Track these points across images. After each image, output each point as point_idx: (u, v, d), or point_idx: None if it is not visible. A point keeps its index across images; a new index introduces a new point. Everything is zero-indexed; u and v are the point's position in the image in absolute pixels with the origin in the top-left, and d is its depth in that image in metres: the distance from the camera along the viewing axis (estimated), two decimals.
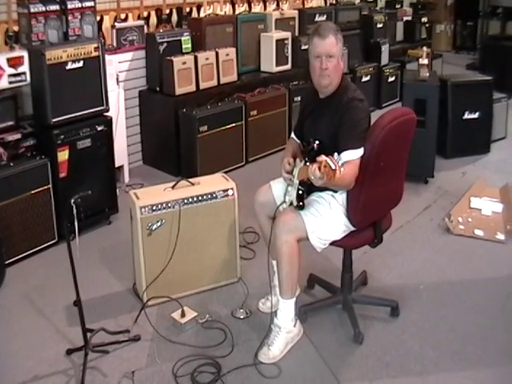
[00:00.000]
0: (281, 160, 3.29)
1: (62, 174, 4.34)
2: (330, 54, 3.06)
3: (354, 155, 2.93)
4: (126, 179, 5.59)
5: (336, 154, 2.87)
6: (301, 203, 3.08)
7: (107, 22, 5.90)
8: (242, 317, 3.54)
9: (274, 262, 3.36)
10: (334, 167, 2.57)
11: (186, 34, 5.96)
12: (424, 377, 3.06)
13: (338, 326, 3.46)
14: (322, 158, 2.62)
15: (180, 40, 5.88)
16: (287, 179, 3.25)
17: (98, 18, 5.53)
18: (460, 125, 6.00)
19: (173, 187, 3.67)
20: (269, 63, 6.72)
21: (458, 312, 3.59)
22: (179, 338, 3.35)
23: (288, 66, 6.85)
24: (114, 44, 5.74)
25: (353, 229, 3.16)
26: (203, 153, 5.52)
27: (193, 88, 5.76)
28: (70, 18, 4.95)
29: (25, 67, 4.43)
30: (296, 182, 3.14)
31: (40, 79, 4.24)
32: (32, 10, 4.69)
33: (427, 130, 5.23)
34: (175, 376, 3.04)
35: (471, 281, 3.93)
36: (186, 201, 3.59)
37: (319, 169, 2.63)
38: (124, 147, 5.52)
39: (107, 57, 4.78)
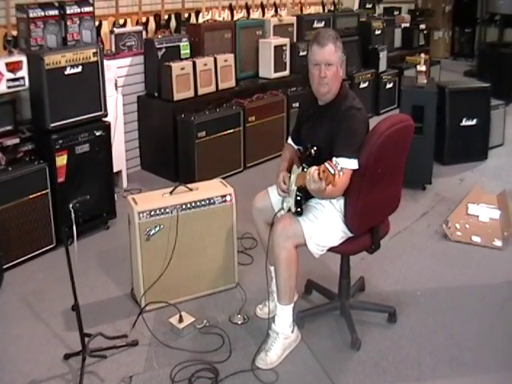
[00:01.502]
0: (277, 172, 3.29)
1: (61, 179, 4.34)
2: (328, 62, 3.07)
3: (346, 164, 2.92)
4: (124, 184, 5.60)
5: (334, 158, 2.88)
6: (299, 209, 3.08)
7: (106, 27, 5.90)
8: (239, 322, 3.54)
9: (272, 268, 3.35)
10: (333, 172, 2.58)
11: (184, 39, 5.98)
12: (421, 383, 3.06)
13: (336, 331, 3.46)
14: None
15: (178, 46, 5.90)
16: (283, 197, 3.26)
17: (97, 23, 5.55)
18: (458, 131, 6.01)
19: (171, 193, 3.68)
20: (267, 69, 6.73)
21: (456, 318, 3.59)
22: (177, 343, 3.35)
23: (286, 72, 6.87)
24: (113, 49, 5.75)
25: (350, 235, 3.16)
26: (201, 158, 5.52)
27: (191, 94, 5.77)
28: (68, 23, 4.97)
29: (23, 72, 4.45)
30: (294, 188, 3.14)
31: (38, 84, 4.24)
32: (31, 15, 4.71)
33: (425, 137, 5.24)
34: (173, 381, 3.04)
35: (468, 287, 3.94)
36: (183, 206, 3.60)
37: (318, 174, 2.64)
38: (122, 152, 5.52)
39: (106, 62, 4.78)
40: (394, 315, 3.53)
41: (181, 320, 3.45)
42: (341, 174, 2.62)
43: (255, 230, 3.63)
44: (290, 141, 3.51)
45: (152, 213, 3.52)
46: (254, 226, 3.57)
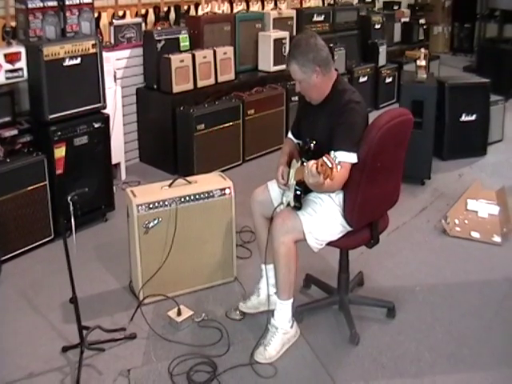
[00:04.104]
0: (277, 166, 3.29)
1: (59, 171, 4.33)
2: (295, 79, 3.15)
3: (345, 157, 2.91)
4: (123, 177, 5.58)
5: (332, 152, 2.87)
6: (298, 204, 3.08)
7: (105, 19, 5.89)
8: (237, 318, 3.52)
9: (263, 266, 3.43)
10: (330, 165, 2.56)
11: (183, 31, 5.96)
12: (420, 378, 3.06)
13: (335, 326, 3.46)
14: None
15: (178, 38, 5.88)
16: (283, 190, 3.26)
17: (96, 15, 5.51)
18: (457, 127, 6.01)
19: (170, 185, 3.67)
20: (266, 62, 6.72)
21: (454, 314, 3.59)
22: (175, 336, 3.35)
23: (285, 66, 6.83)
24: (112, 41, 5.73)
25: (349, 229, 3.16)
26: (200, 151, 5.51)
27: (190, 86, 5.75)
28: (67, 14, 4.93)
29: (22, 63, 4.43)
30: (293, 182, 3.13)
31: (37, 75, 4.22)
32: (30, 6, 4.67)
33: (424, 132, 5.23)
34: (171, 375, 3.03)
35: (467, 283, 3.94)
36: (182, 199, 3.58)
37: (316, 168, 2.63)
38: (121, 144, 5.51)
39: (105, 54, 4.75)
40: (393, 310, 3.53)
41: (179, 313, 3.44)
42: (338, 167, 2.61)
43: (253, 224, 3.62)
44: (290, 135, 3.49)
45: (151, 205, 3.51)
46: (252, 220, 3.56)
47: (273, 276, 3.30)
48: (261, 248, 3.46)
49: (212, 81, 5.98)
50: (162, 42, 5.72)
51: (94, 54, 4.46)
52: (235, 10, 7.19)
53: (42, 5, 4.75)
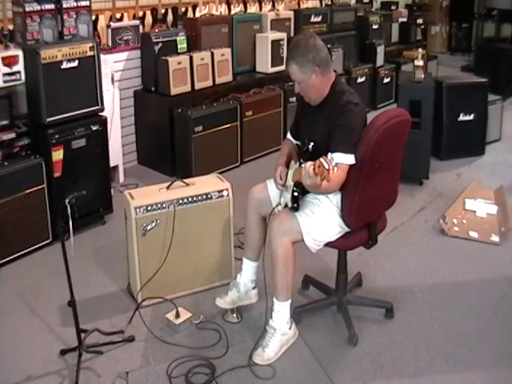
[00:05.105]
0: (275, 167, 3.29)
1: (57, 174, 4.32)
2: (295, 80, 3.13)
3: (343, 159, 2.92)
4: (121, 179, 5.58)
5: (329, 154, 2.88)
6: (296, 205, 3.08)
7: (102, 22, 5.89)
8: (233, 320, 3.51)
9: (247, 261, 3.48)
10: (327, 167, 2.57)
11: (181, 33, 5.95)
12: (418, 378, 3.06)
13: (333, 327, 3.46)
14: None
15: (175, 40, 5.88)
16: (281, 190, 3.26)
17: (94, 18, 5.52)
18: (455, 126, 6.01)
19: (168, 187, 3.66)
20: (264, 64, 6.72)
21: (453, 314, 3.59)
22: (173, 338, 3.35)
23: (283, 67, 6.81)
24: (110, 43, 5.73)
25: (347, 230, 3.16)
26: (198, 153, 5.51)
27: (188, 88, 5.75)
28: (65, 17, 4.92)
29: (20, 66, 4.42)
30: (291, 183, 3.13)
31: (35, 78, 4.23)
32: (27, 9, 4.66)
33: (422, 132, 5.23)
34: (169, 377, 3.03)
35: (465, 283, 3.93)
36: (180, 201, 3.58)
37: (313, 169, 2.63)
38: (119, 147, 5.50)
39: (102, 56, 4.75)
40: (391, 311, 3.53)
41: (177, 315, 3.44)
42: (335, 169, 2.61)
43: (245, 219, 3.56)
44: (289, 136, 3.49)
45: (149, 208, 3.51)
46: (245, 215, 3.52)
47: (255, 273, 3.42)
48: (248, 244, 3.47)
49: (210, 82, 5.98)
50: (160, 45, 5.72)
51: (92, 56, 4.47)
52: (233, 12, 7.20)
53: (39, 8, 4.75)
